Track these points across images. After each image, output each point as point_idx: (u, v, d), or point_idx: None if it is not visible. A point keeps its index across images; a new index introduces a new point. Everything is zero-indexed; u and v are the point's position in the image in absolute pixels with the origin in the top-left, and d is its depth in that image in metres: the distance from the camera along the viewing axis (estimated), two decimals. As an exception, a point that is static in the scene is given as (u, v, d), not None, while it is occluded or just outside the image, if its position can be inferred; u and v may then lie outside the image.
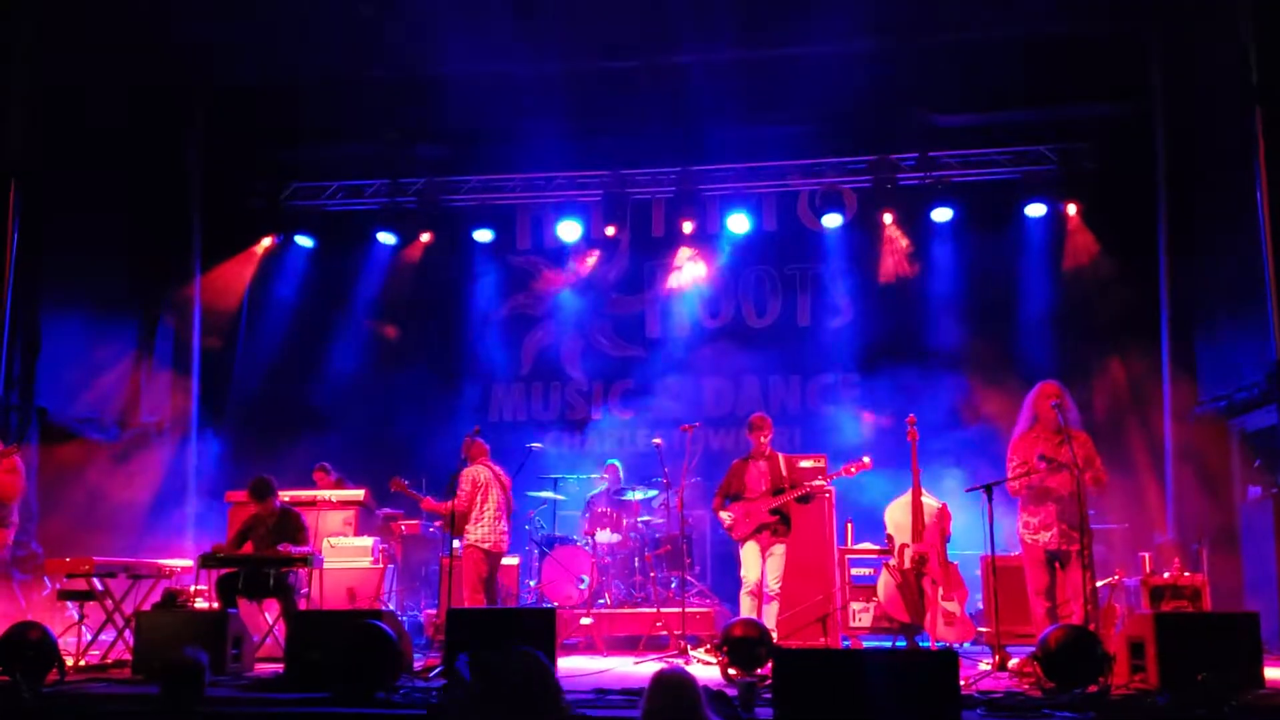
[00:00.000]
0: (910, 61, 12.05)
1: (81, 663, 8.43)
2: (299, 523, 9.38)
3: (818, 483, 9.41)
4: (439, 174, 13.63)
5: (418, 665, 7.86)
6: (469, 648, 6.28)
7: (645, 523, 11.61)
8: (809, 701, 5.61)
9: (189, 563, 9.93)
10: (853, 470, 9.27)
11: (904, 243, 13.10)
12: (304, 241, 13.88)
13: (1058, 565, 8.10)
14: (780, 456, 9.42)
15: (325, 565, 10.30)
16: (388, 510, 12.03)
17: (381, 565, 10.88)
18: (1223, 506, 10.48)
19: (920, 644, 8.77)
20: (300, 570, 9.24)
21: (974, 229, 12.84)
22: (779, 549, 9.12)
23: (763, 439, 9.34)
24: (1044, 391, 8.29)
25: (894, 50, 12.06)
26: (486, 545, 9.89)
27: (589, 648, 10.01)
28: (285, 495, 10.57)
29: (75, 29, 11.41)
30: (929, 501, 8.99)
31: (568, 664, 8.64)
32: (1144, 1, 11.76)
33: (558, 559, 11.06)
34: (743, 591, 9.14)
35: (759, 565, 9.09)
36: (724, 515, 9.24)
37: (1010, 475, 8.19)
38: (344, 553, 10.84)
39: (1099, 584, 8.89)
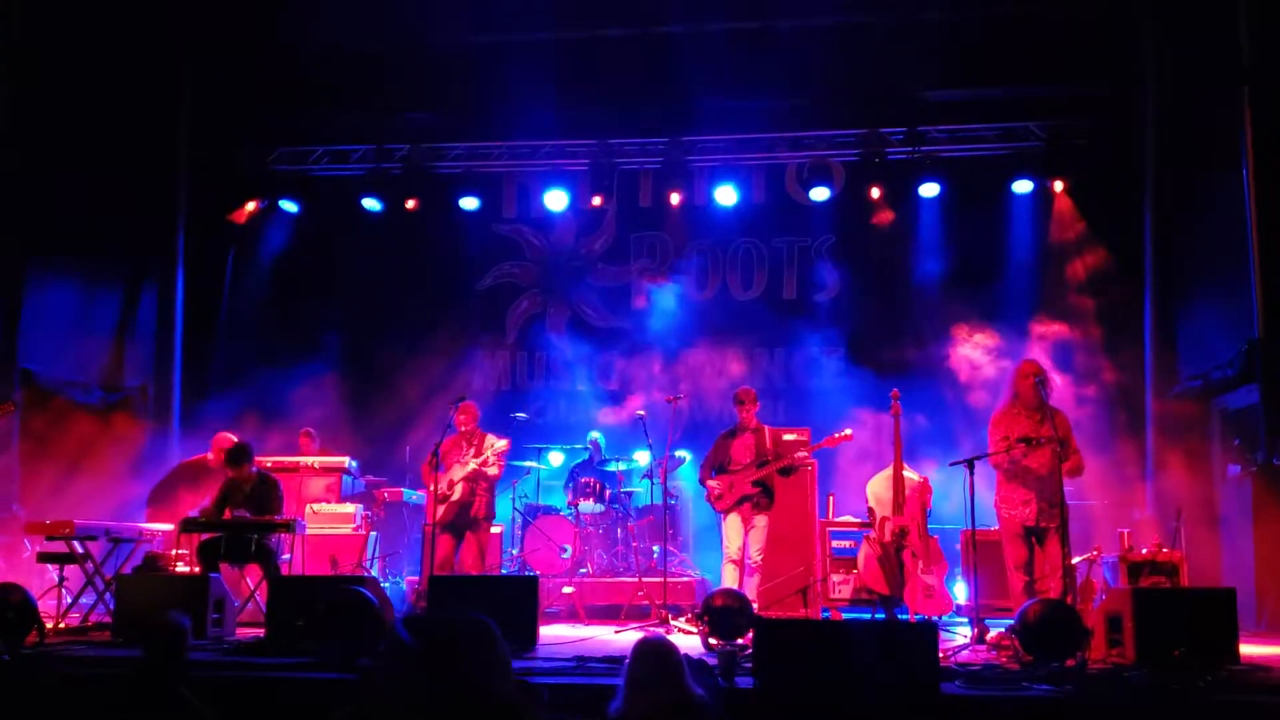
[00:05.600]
0: (900, 35, 12.01)
1: (61, 625, 8.43)
2: (276, 490, 9.37)
3: (800, 455, 9.45)
4: (425, 140, 13.54)
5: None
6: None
7: (628, 493, 11.64)
8: (789, 671, 5.64)
9: (170, 527, 9.91)
10: (835, 441, 9.36)
11: (891, 217, 13.09)
12: (289, 206, 13.80)
13: (1035, 541, 8.17)
14: (766, 429, 9.47)
15: (308, 531, 10.30)
16: (371, 477, 12.05)
17: (364, 532, 10.90)
18: (1202, 484, 10.57)
19: (899, 616, 8.83)
20: (283, 536, 9.24)
21: (961, 204, 12.84)
22: (761, 521, 9.20)
23: (749, 412, 9.40)
24: (1025, 369, 8.37)
25: (884, 24, 12.02)
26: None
27: (571, 616, 10.05)
28: (268, 461, 10.57)
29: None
30: (910, 475, 9.03)
31: (549, 632, 8.68)
32: (1135, -22, 11.77)
33: (541, 528, 11.10)
34: (724, 561, 9.23)
35: (740, 536, 9.19)
36: (711, 484, 9.32)
37: (991, 451, 8.24)
38: (326, 519, 10.86)
39: (1077, 559, 8.96)
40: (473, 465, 9.81)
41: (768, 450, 9.31)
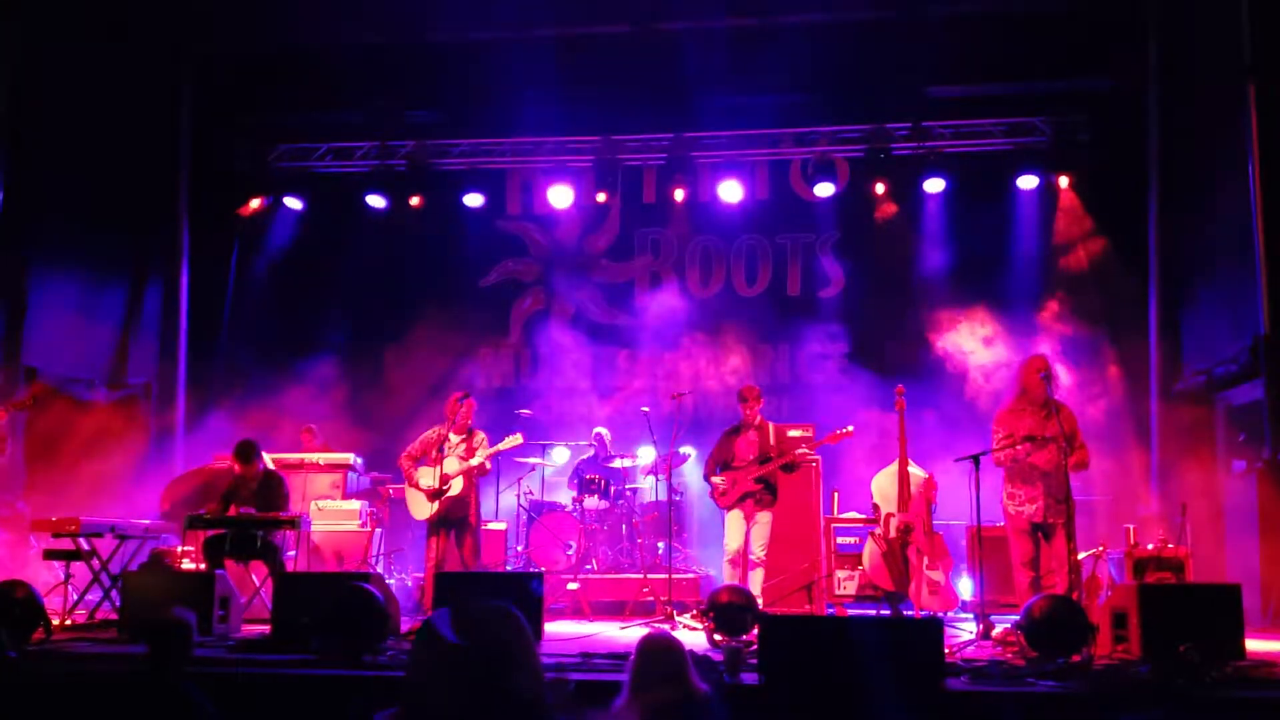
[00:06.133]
0: (905, 31, 12.00)
1: (67, 622, 8.44)
2: (281, 487, 9.38)
3: (801, 451, 9.46)
4: (429, 137, 13.55)
5: (405, 628, 7.89)
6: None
7: (633, 489, 11.64)
8: (794, 667, 5.64)
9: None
10: (837, 438, 9.38)
11: (895, 211, 13.08)
12: (292, 203, 13.80)
13: (1041, 536, 8.17)
14: (770, 426, 9.47)
15: (313, 528, 10.30)
16: (375, 474, 12.05)
17: (369, 528, 10.90)
18: (1207, 479, 10.55)
19: (904, 612, 8.83)
20: (288, 532, 9.24)
21: (966, 200, 12.83)
22: (764, 517, 9.21)
23: (752, 410, 9.42)
24: (1032, 364, 8.36)
25: (889, 19, 12.01)
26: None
27: (576, 612, 10.05)
28: (272, 458, 10.56)
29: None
30: (915, 471, 9.02)
31: (554, 628, 8.69)
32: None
33: (546, 525, 11.10)
34: (724, 560, 9.27)
35: (741, 534, 9.21)
36: (715, 481, 9.33)
37: (996, 446, 8.23)
38: (331, 515, 10.88)
39: (1083, 555, 8.95)
40: (476, 461, 9.79)
41: (770, 447, 9.31)
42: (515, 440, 9.95)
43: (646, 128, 13.36)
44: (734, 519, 9.27)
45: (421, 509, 9.70)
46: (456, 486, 9.70)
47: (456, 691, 2.64)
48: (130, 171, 12.34)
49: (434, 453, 9.66)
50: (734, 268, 13.90)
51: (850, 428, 9.46)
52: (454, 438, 9.86)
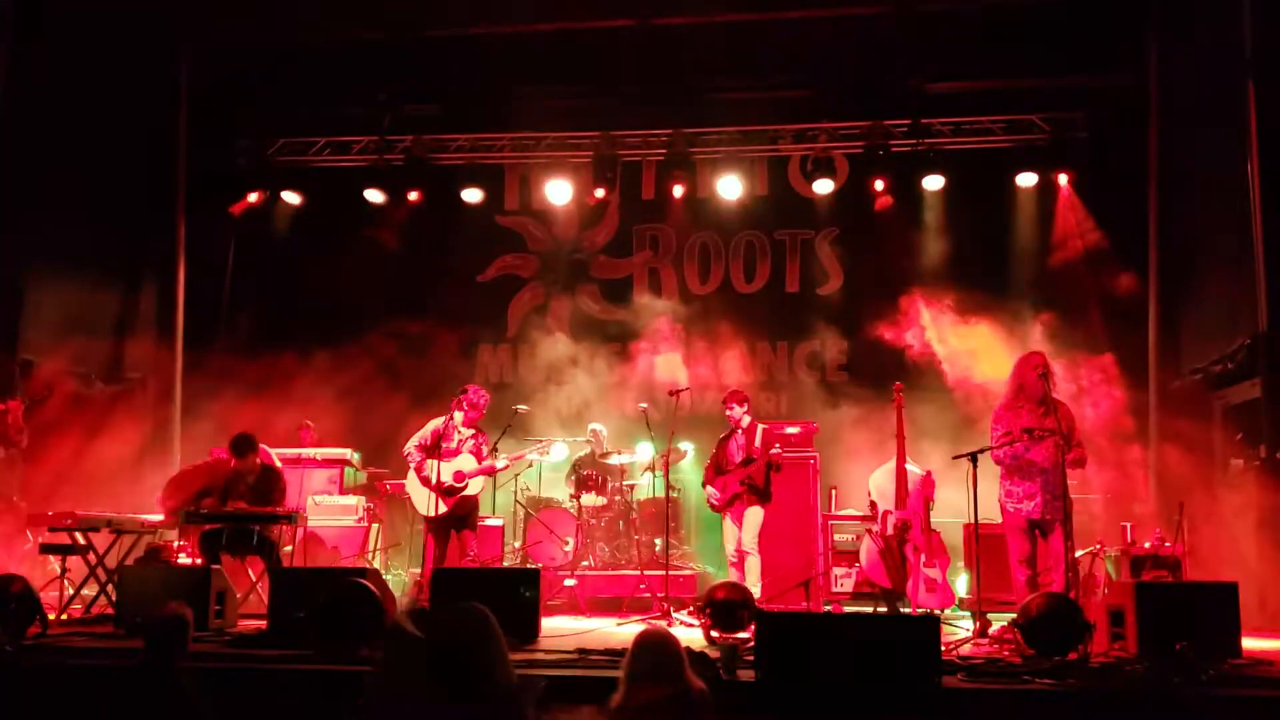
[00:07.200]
0: (905, 27, 11.97)
1: (64, 616, 8.43)
2: (279, 482, 9.36)
3: (774, 451, 9.44)
4: (427, 132, 13.51)
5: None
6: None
7: (630, 485, 11.64)
8: (791, 664, 5.64)
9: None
10: (805, 433, 9.57)
11: (894, 210, 13.06)
12: (290, 198, 13.77)
13: (1038, 534, 8.16)
14: (759, 427, 9.56)
15: (310, 523, 10.29)
16: (373, 469, 12.04)
17: (366, 524, 10.90)
18: (1205, 478, 10.54)
19: (901, 610, 8.83)
20: (285, 527, 9.24)
21: (965, 197, 12.81)
22: (754, 511, 9.44)
23: (735, 412, 9.54)
24: (1030, 361, 8.34)
25: (889, 15, 11.99)
26: None
27: (572, 609, 10.04)
28: (274, 453, 10.55)
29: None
30: (913, 468, 9.03)
31: (551, 624, 8.68)
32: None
33: (543, 521, 11.09)
34: (728, 564, 9.41)
35: (735, 536, 9.42)
36: (708, 489, 9.54)
37: (994, 444, 8.22)
38: (329, 510, 10.87)
39: (1080, 553, 8.96)
40: (501, 464, 9.79)
41: (755, 449, 9.42)
42: (542, 450, 10.06)
43: (645, 123, 13.32)
44: (728, 523, 9.54)
45: (430, 504, 9.63)
46: (476, 486, 9.67)
47: (425, 689, 2.64)
48: (128, 165, 12.31)
49: (442, 446, 9.62)
50: (732, 264, 13.89)
51: (815, 423, 9.65)
52: (464, 431, 9.83)
